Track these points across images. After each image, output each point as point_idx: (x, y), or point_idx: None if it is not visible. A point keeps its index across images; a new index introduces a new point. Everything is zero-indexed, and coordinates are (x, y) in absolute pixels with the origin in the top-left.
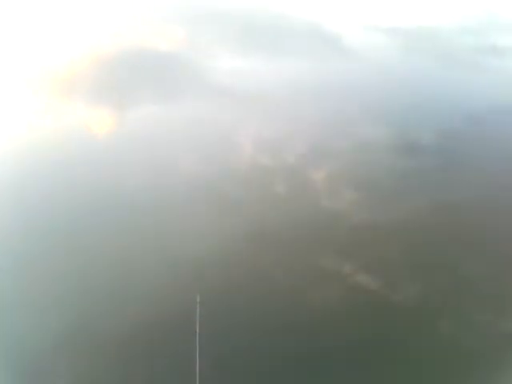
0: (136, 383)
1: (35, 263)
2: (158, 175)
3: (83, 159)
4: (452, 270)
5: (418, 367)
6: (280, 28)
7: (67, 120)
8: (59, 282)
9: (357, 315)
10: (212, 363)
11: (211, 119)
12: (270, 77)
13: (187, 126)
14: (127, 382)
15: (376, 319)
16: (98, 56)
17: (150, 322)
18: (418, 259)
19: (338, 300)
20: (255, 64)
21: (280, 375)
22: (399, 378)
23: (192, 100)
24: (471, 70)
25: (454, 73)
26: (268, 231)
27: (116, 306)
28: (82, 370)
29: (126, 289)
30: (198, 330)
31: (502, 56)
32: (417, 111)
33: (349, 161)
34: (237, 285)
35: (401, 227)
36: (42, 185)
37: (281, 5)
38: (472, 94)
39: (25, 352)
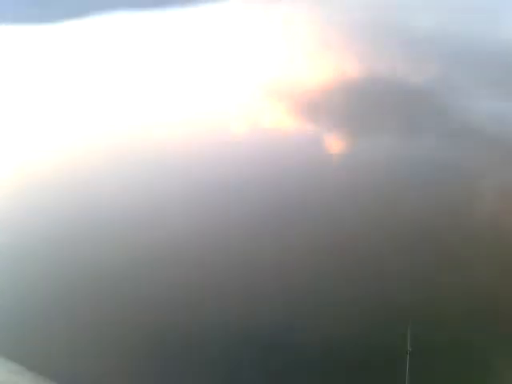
0: None
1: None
2: (376, 214)
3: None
4: None
5: None
6: None
7: (298, 138)
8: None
9: None
10: None
11: (450, 161)
12: None
13: (421, 165)
14: None
15: None
16: (346, 82)
17: None
18: None
19: None
20: None
21: None
22: None
23: (433, 138)
24: None
25: None
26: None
27: None
28: None
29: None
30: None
31: None
32: None
33: None
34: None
35: None
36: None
37: None
38: None
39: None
